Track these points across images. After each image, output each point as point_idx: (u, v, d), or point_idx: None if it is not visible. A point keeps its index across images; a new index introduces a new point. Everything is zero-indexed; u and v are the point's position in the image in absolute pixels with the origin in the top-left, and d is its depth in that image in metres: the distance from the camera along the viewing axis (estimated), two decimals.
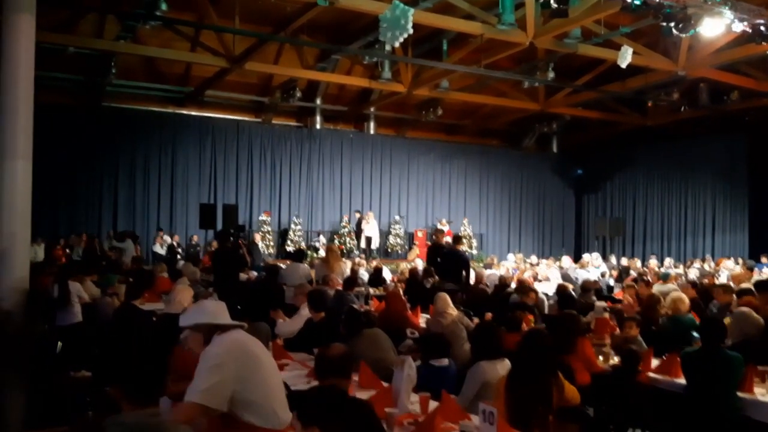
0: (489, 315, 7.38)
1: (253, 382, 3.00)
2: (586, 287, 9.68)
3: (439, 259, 10.37)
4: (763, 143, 19.66)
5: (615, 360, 5.69)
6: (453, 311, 6.59)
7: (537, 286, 12.06)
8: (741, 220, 20.82)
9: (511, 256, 17.86)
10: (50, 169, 16.21)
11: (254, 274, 11.78)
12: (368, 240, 19.80)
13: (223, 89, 18.50)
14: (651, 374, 5.34)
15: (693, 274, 14.60)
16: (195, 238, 17.96)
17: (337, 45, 16.13)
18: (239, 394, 2.96)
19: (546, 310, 8.92)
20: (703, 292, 9.03)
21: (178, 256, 16.80)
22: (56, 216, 16.94)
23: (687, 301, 6.77)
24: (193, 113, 19.21)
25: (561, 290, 9.09)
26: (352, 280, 9.17)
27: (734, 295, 7.90)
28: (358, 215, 19.77)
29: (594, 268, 15.86)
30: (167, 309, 6.57)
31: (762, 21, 11.10)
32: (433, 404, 4.01)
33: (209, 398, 2.87)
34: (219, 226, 15.99)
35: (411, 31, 10.47)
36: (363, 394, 4.10)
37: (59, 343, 7.54)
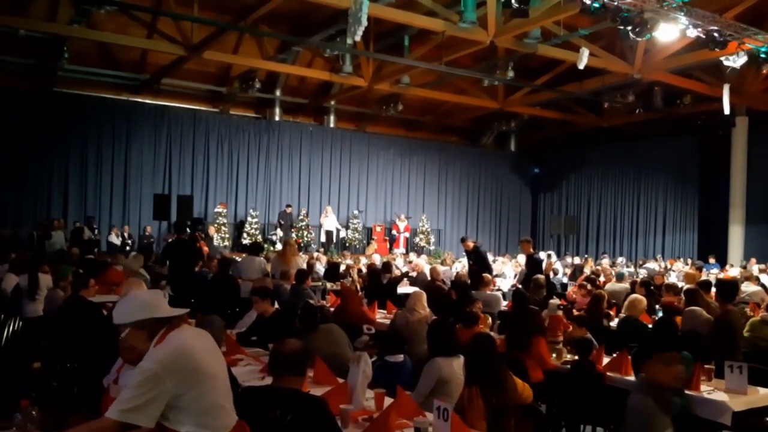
0: None
1: (192, 395, 2.71)
2: (539, 284, 9.79)
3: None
4: (714, 146, 20.24)
5: (568, 357, 5.77)
6: (423, 311, 6.56)
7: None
8: (691, 221, 21.43)
9: None
10: None
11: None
12: (328, 234, 19.75)
13: (180, 78, 18.16)
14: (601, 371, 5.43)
15: (644, 273, 14.95)
16: (149, 229, 17.62)
17: (298, 36, 15.98)
18: (174, 408, 2.69)
19: (500, 308, 8.99)
20: (653, 291, 9.23)
21: (128, 248, 16.49)
22: (3, 203, 16.41)
23: (643, 304, 6.91)
24: (149, 101, 18.79)
25: (515, 289, 9.18)
26: (305, 273, 9.04)
27: (682, 295, 8.12)
28: (289, 209, 19.62)
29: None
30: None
31: (715, 27, 11.40)
32: (388, 400, 4.00)
33: (135, 417, 2.60)
34: (173, 217, 15.74)
35: (366, 23, 10.51)
36: (318, 390, 4.06)
37: (4, 335, 7.34)
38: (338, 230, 20.03)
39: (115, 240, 16.82)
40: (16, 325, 7.24)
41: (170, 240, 12.81)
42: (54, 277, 8.36)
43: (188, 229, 11.00)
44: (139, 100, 18.66)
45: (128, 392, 2.64)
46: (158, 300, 2.92)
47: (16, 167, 16.40)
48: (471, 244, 11.69)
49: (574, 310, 7.91)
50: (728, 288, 6.42)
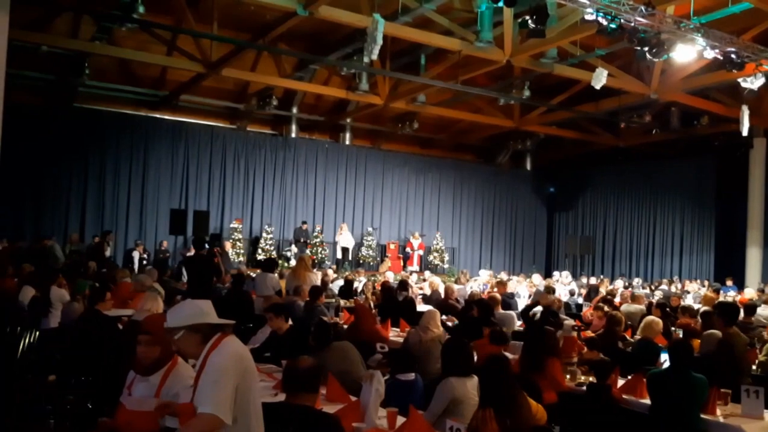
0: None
1: (246, 398, 2.95)
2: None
3: None
4: (731, 167, 20.07)
5: (582, 378, 5.73)
6: (437, 329, 6.53)
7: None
8: (707, 243, 21.20)
9: (483, 272, 17.94)
10: (17, 169, 15.94)
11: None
12: (344, 251, 19.79)
13: (198, 94, 18.32)
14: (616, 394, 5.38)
15: (659, 295, 14.81)
16: (164, 243, 17.74)
17: (315, 55, 16.13)
18: (236, 405, 2.92)
19: (514, 327, 8.93)
20: (669, 313, 9.14)
21: (144, 262, 16.59)
22: (21, 217, 16.62)
23: (660, 326, 6.84)
24: (167, 117, 18.96)
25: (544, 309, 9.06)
26: (319, 290, 9.04)
27: (698, 317, 8.04)
28: (305, 226, 19.68)
29: (563, 285, 15.98)
30: (136, 316, 6.47)
31: (733, 49, 11.37)
32: (400, 420, 3.99)
33: (223, 411, 2.82)
34: (189, 232, 15.83)
35: (381, 42, 10.63)
36: (330, 408, 4.06)
37: (20, 348, 7.39)
38: (349, 249, 20.00)
39: (137, 256, 16.82)
40: (33, 338, 7.29)
41: (188, 255, 12.90)
42: (70, 290, 8.44)
43: (206, 245, 11.06)
44: (158, 116, 18.85)
45: (210, 389, 2.85)
46: (210, 308, 3.17)
47: (35, 181, 16.59)
48: None
49: (588, 332, 7.85)
50: (730, 311, 6.34)
